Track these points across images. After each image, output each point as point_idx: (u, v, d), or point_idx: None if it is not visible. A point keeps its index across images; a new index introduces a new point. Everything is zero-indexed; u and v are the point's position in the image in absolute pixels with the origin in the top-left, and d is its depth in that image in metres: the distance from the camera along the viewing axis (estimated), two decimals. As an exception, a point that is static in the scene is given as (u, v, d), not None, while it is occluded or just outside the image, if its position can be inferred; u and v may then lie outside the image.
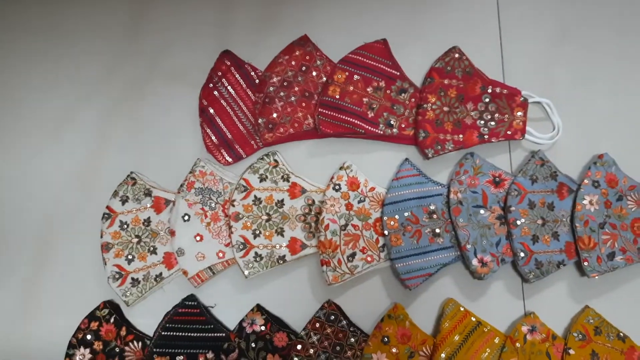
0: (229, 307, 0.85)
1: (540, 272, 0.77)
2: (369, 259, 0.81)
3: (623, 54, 0.89)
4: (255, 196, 0.86)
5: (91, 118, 0.98)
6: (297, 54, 0.92)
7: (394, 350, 0.77)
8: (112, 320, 0.84)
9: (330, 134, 0.88)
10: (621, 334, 0.76)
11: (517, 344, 0.76)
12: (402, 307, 0.80)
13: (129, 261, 0.87)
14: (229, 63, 0.94)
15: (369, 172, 0.86)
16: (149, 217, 0.89)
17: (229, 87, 0.93)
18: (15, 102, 1.01)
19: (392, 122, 0.87)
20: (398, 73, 0.90)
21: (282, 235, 0.84)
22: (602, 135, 0.85)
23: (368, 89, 0.88)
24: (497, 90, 0.85)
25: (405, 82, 0.89)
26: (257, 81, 0.93)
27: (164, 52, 1.00)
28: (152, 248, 0.88)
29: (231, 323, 0.84)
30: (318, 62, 0.92)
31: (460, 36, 0.91)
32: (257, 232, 0.85)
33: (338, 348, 0.79)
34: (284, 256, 0.83)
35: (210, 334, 0.82)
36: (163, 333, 0.82)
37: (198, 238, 0.86)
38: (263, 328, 0.81)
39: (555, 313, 0.79)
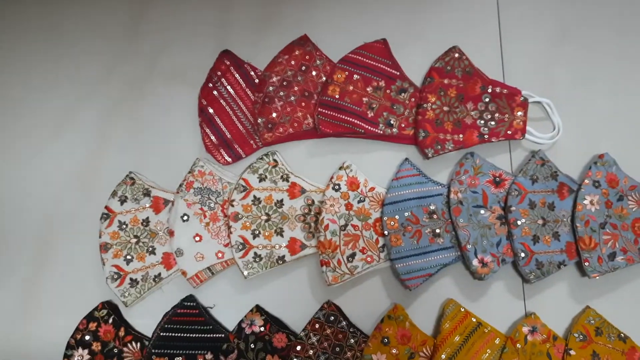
0: (228, 307, 0.85)
1: (541, 273, 0.77)
2: (368, 259, 0.81)
3: (623, 54, 0.89)
4: (254, 196, 0.86)
5: (91, 118, 0.98)
6: (296, 53, 0.92)
7: (394, 351, 0.77)
8: (110, 320, 0.84)
9: (330, 134, 0.88)
10: (622, 335, 0.75)
11: (518, 345, 0.75)
12: (402, 307, 0.79)
13: (128, 261, 0.87)
14: (228, 63, 0.94)
15: (369, 172, 0.86)
16: (147, 217, 0.88)
17: (228, 87, 0.93)
18: (15, 102, 1.01)
19: (392, 122, 0.87)
20: (398, 73, 0.89)
21: (282, 236, 0.84)
22: (602, 135, 0.85)
23: (368, 89, 0.88)
24: (497, 90, 0.85)
25: (405, 82, 0.89)
26: (256, 81, 0.93)
27: (163, 52, 1.00)
28: (150, 248, 0.87)
29: (230, 324, 0.84)
30: (318, 62, 0.92)
31: (460, 36, 0.91)
32: (257, 232, 0.84)
33: (338, 349, 0.79)
34: (284, 256, 0.83)
35: (209, 335, 0.82)
36: (162, 334, 0.82)
37: (197, 238, 0.85)
38: (262, 329, 0.81)
39: (556, 313, 0.79)
